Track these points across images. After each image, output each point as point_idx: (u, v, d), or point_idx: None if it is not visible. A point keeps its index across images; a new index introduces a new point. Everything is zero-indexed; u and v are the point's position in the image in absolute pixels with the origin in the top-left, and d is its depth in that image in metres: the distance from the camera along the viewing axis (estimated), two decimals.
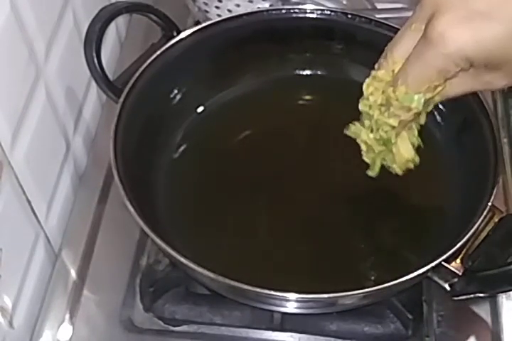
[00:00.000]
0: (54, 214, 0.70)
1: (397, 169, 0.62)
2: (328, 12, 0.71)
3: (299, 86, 0.76)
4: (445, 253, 0.57)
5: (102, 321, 0.66)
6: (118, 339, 0.65)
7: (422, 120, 0.60)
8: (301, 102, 0.76)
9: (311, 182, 0.69)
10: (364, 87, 0.58)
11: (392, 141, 0.59)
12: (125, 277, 0.68)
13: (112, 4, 0.67)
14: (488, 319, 0.66)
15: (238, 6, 0.83)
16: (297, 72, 0.76)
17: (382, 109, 0.57)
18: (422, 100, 0.54)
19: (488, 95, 0.78)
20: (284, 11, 0.72)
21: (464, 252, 0.59)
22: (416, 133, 0.60)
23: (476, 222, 0.58)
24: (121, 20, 0.84)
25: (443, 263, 0.58)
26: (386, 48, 0.56)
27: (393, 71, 0.55)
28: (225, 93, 0.75)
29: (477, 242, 0.59)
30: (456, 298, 0.60)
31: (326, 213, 0.67)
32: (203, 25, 0.70)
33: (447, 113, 0.70)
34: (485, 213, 0.59)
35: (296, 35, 0.73)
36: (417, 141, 0.61)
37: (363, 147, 0.62)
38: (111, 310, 0.66)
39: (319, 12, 0.71)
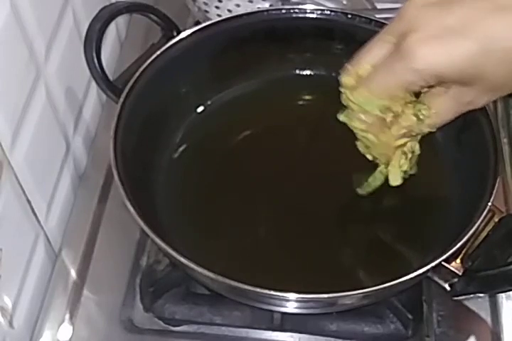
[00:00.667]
0: (54, 214, 0.70)
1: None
2: (328, 12, 0.71)
3: (299, 86, 0.76)
4: (445, 253, 0.57)
5: (102, 321, 0.66)
6: (118, 339, 0.65)
7: (417, 149, 0.61)
8: (301, 102, 0.76)
9: (311, 181, 0.69)
10: (342, 97, 0.58)
11: (370, 142, 0.59)
12: (125, 277, 0.68)
13: (111, 4, 0.67)
14: (488, 319, 0.66)
15: (238, 6, 0.83)
16: (297, 72, 0.76)
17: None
18: (379, 105, 0.55)
19: None
20: (284, 11, 0.72)
21: (463, 252, 0.59)
22: (409, 158, 0.61)
23: (476, 222, 0.58)
24: (121, 20, 0.84)
25: (443, 263, 0.58)
26: (355, 56, 0.56)
27: (357, 74, 0.56)
28: (225, 93, 0.75)
29: (477, 242, 0.59)
30: (456, 298, 0.60)
31: (326, 213, 0.67)
32: (203, 25, 0.70)
33: None
34: (485, 213, 0.59)
35: (296, 35, 0.73)
36: (409, 166, 0.61)
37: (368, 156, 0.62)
38: (111, 310, 0.66)
39: (319, 12, 0.71)
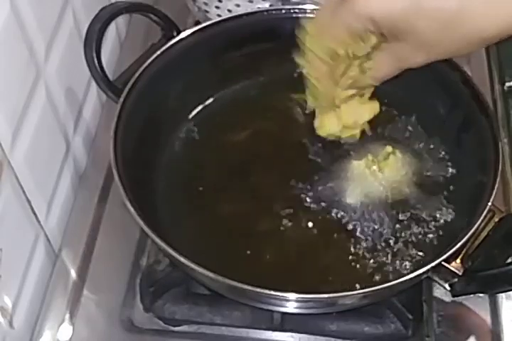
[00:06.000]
0: (54, 214, 0.70)
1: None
2: None
3: (298, 86, 0.76)
4: (445, 253, 0.57)
5: (102, 321, 0.66)
6: (118, 339, 0.65)
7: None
8: (300, 102, 0.75)
9: (311, 182, 0.69)
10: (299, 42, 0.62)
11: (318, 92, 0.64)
12: (125, 277, 0.68)
13: (111, 4, 0.67)
14: (488, 319, 0.66)
15: (238, 6, 0.83)
16: (297, 72, 0.76)
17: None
18: (329, 49, 0.59)
19: (488, 95, 0.78)
20: (284, 11, 0.72)
21: (464, 252, 0.59)
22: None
23: (476, 222, 0.58)
24: (121, 20, 0.84)
25: (443, 263, 0.58)
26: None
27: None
28: (225, 93, 0.75)
29: (477, 242, 0.59)
30: (456, 298, 0.61)
31: (327, 212, 0.67)
32: (203, 25, 0.70)
33: (447, 113, 0.70)
34: (485, 213, 0.59)
35: (296, 35, 0.73)
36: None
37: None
38: (111, 310, 0.66)
39: None
